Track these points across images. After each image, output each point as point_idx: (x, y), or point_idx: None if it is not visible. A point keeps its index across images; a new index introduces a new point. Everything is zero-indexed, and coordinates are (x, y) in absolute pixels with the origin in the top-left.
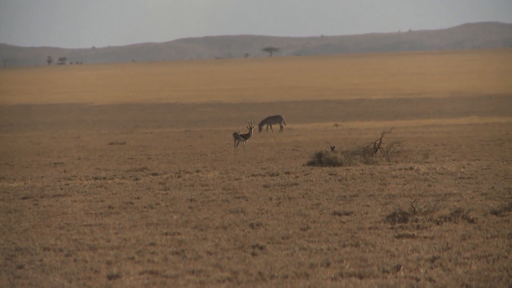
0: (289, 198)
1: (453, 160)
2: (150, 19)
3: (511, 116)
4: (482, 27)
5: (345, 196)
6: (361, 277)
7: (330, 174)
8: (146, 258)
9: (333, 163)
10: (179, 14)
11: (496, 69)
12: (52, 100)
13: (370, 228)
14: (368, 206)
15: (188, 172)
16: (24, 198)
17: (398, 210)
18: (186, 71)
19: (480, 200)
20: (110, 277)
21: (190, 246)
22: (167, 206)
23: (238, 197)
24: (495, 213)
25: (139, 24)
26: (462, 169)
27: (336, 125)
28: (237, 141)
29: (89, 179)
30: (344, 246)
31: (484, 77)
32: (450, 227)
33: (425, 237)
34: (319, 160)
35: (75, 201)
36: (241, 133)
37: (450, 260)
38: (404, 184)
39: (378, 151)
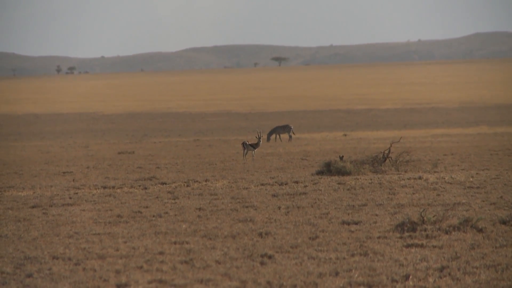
0: (298, 207)
1: (462, 169)
2: (159, 28)
3: None
4: (491, 37)
5: (353, 205)
6: (370, 287)
7: (339, 184)
8: (155, 267)
9: (342, 172)
10: (188, 24)
11: (505, 79)
12: (61, 110)
13: (379, 238)
14: (377, 215)
15: (196, 181)
16: (33, 207)
17: (407, 220)
18: (195, 80)
19: (489, 210)
20: (119, 286)
21: (199, 255)
22: (175, 215)
23: (246, 206)
24: (504, 222)
25: (148, 34)
26: (471, 179)
27: (345, 135)
28: (245, 151)
29: (98, 188)
30: (352, 255)
31: (493, 87)
32: (459, 237)
33: (434, 247)
34: (328, 169)
35: (84, 210)
36: (249, 143)
37: (459, 270)
38: (413, 193)
39: (387, 160)
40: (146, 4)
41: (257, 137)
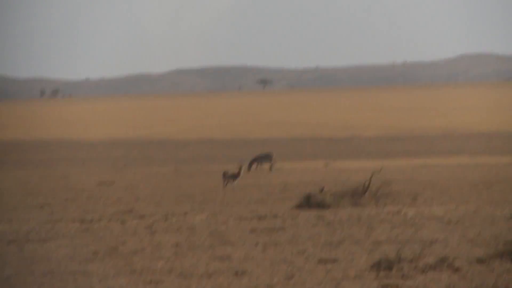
0: (275, 244)
1: (441, 203)
2: (144, 50)
3: (501, 155)
4: (476, 59)
5: (331, 242)
6: None
7: (317, 218)
8: None
9: (321, 205)
10: (174, 45)
11: (488, 104)
12: (43, 136)
13: (354, 278)
14: (354, 253)
15: (175, 214)
16: (9, 243)
17: (384, 258)
18: (179, 105)
19: (466, 247)
20: None
21: None
22: (152, 252)
23: (224, 243)
24: (480, 261)
25: (133, 55)
26: (450, 213)
27: (327, 165)
28: (226, 181)
29: (75, 222)
30: None
31: (476, 113)
32: (434, 276)
33: (409, 287)
34: (308, 202)
35: (60, 246)
36: (230, 173)
37: None
38: (391, 229)
39: (367, 193)
40: (131, 25)
41: (239, 167)
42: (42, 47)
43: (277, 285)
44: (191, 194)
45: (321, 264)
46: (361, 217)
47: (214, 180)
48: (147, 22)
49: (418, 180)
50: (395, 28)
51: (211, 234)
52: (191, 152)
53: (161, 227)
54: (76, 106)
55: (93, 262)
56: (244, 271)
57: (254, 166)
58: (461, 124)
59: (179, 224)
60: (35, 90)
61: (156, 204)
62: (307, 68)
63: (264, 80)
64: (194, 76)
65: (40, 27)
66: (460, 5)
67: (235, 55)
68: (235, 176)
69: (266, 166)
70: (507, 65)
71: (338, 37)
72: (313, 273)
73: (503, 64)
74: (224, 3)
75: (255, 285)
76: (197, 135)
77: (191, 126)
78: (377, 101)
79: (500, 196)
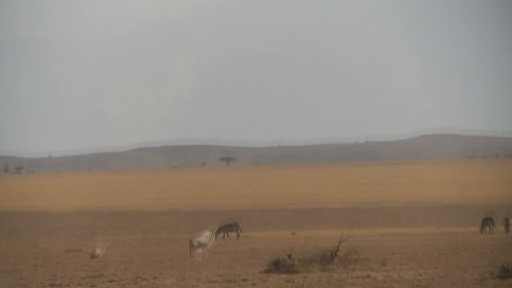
0: None
1: (410, 268)
2: (106, 128)
3: (467, 226)
4: (438, 138)
5: None
6: None
7: (287, 281)
8: None
9: (290, 270)
10: (136, 123)
11: (451, 179)
12: (8, 208)
13: None
14: None
15: (144, 279)
16: None
17: None
18: (143, 179)
19: None
20: None
21: None
22: None
23: None
24: None
25: (95, 133)
26: (419, 277)
27: (293, 233)
28: (192, 249)
29: (45, 286)
30: None
31: (440, 188)
32: None
33: None
34: (276, 267)
35: None
36: (196, 241)
37: None
38: None
39: (335, 259)
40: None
41: (208, 235)
42: (3, 124)
43: None
44: (159, 260)
45: None
46: (331, 281)
47: (181, 247)
48: (109, 99)
49: (386, 247)
50: (358, 107)
51: None
52: (157, 223)
53: None
54: (40, 180)
55: None
56: None
57: (221, 235)
58: (424, 197)
59: (149, 287)
60: None
61: (125, 269)
62: (270, 146)
63: (227, 157)
64: (156, 153)
65: (2, 105)
66: (422, 84)
67: (197, 133)
68: (203, 244)
69: (233, 234)
70: (469, 144)
71: (301, 114)
72: None
73: (465, 143)
74: (185, 82)
75: None
76: (162, 207)
77: (155, 199)
78: (341, 176)
79: (469, 262)
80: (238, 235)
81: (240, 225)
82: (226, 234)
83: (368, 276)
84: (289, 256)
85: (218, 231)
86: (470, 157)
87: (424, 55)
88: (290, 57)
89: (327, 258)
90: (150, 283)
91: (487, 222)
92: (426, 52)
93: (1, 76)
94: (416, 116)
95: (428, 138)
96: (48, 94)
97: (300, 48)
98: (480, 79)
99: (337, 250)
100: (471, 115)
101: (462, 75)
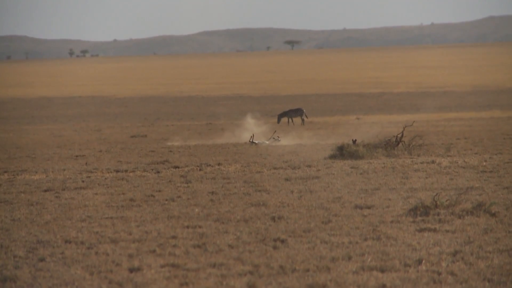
0: (311, 192)
1: (475, 153)
2: (172, 11)
3: None
4: (505, 20)
5: (366, 189)
6: (382, 271)
7: (351, 167)
8: (168, 251)
9: (354, 156)
10: (201, 7)
11: None
12: (74, 93)
13: (391, 222)
14: (389, 199)
15: (209, 165)
16: (45, 191)
17: (420, 204)
18: (208, 64)
19: (502, 194)
20: (131, 270)
21: (211, 239)
22: (188, 199)
23: (259, 190)
24: None
25: (161, 17)
26: (484, 163)
27: (358, 119)
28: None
29: (111, 172)
30: (365, 239)
31: (507, 71)
32: (472, 221)
33: (447, 231)
34: (341, 153)
35: (96, 194)
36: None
37: (472, 254)
38: (426, 177)
39: (400, 144)
40: None
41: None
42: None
43: (314, 229)
44: (223, 146)
45: (358, 209)
46: (395, 167)
47: (246, 133)
48: None
49: (451, 132)
50: None
51: (245, 183)
52: (222, 108)
53: (196, 177)
54: (105, 64)
55: (131, 209)
56: (281, 216)
57: (284, 120)
58: (490, 81)
59: (213, 173)
60: (64, 51)
61: (189, 155)
62: (335, 29)
63: (292, 41)
64: (221, 37)
65: None
66: None
67: (262, 17)
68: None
69: (297, 120)
70: None
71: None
72: (349, 218)
73: None
74: None
75: (293, 229)
76: (226, 92)
77: (220, 83)
78: (405, 59)
79: None
80: (302, 120)
81: (304, 110)
82: (290, 120)
83: (433, 162)
84: (354, 141)
85: (281, 115)
86: None
87: None
88: None
89: (391, 144)
90: (214, 169)
91: None
92: None
93: None
94: None
95: (494, 20)
96: None
97: None
98: None
99: (402, 135)
100: None
101: None
